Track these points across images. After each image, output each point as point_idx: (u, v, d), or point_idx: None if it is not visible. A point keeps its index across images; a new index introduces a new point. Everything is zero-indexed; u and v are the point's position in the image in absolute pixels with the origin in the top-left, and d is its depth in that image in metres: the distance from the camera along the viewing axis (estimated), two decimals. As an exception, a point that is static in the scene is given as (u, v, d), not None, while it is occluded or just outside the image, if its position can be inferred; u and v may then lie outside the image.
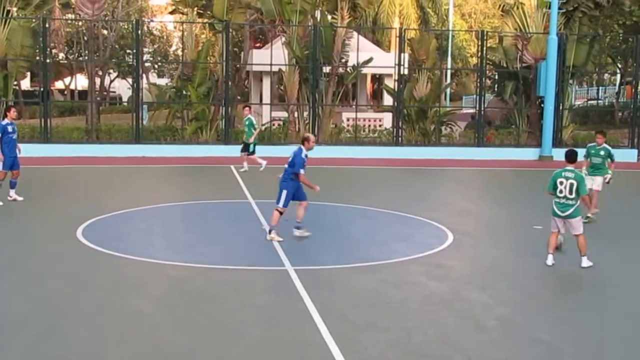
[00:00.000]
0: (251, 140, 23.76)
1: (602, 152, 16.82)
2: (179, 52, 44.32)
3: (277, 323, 9.68)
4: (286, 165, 14.10)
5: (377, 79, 44.73)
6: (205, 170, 23.32)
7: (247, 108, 24.81)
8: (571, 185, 12.35)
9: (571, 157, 12.65)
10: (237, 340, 8.99)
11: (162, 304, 10.34)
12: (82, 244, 13.61)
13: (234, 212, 17.46)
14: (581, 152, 15.08)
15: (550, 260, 12.65)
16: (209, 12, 32.43)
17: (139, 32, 29.81)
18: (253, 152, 23.81)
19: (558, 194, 12.50)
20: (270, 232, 14.04)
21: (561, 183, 12.45)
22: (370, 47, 37.22)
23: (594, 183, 16.52)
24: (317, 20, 31.46)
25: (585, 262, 12.60)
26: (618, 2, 34.61)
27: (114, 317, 9.76)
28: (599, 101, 46.15)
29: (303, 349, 8.83)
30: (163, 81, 45.21)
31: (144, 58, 35.02)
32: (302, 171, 13.83)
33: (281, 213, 13.99)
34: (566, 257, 13.10)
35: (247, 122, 23.87)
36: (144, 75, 31.92)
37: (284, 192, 13.95)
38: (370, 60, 30.94)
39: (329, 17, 33.47)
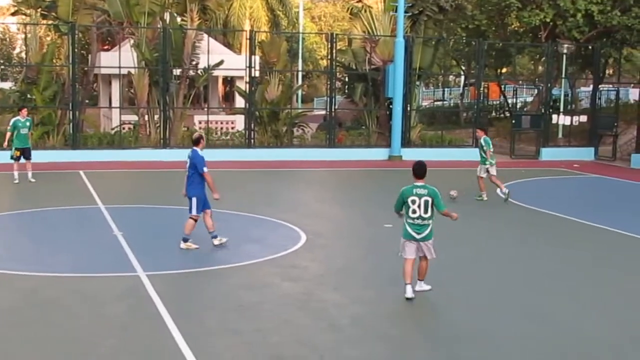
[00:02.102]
0: (5, 144, 21.84)
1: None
2: (23, 55, 42.78)
3: (130, 331, 9.53)
4: (187, 173, 13.82)
5: (229, 81, 44.66)
6: (52, 176, 22.61)
7: (24, 109, 22.32)
8: (425, 202, 10.64)
9: (418, 173, 10.87)
10: (90, 351, 8.79)
11: (10, 317, 9.97)
12: None
13: (83, 218, 17.02)
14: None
15: (409, 292, 10.82)
16: (53, 14, 31.41)
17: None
18: (29, 159, 21.70)
19: (411, 214, 10.72)
20: (185, 241, 13.72)
21: (413, 202, 10.66)
22: (221, 49, 37.11)
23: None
24: (166, 22, 31.05)
25: (424, 286, 11.22)
26: (461, 6, 35.93)
27: (-43, 333, 9.34)
28: (445, 102, 47.65)
29: (157, 356, 8.74)
30: (6, 85, 43.47)
31: (-15, 61, 33.64)
32: (205, 169, 13.65)
33: (195, 220, 13.72)
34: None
35: (28, 124, 21.88)
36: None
37: (194, 199, 13.73)
38: (221, 62, 30.81)
39: (179, 19, 33.08)
